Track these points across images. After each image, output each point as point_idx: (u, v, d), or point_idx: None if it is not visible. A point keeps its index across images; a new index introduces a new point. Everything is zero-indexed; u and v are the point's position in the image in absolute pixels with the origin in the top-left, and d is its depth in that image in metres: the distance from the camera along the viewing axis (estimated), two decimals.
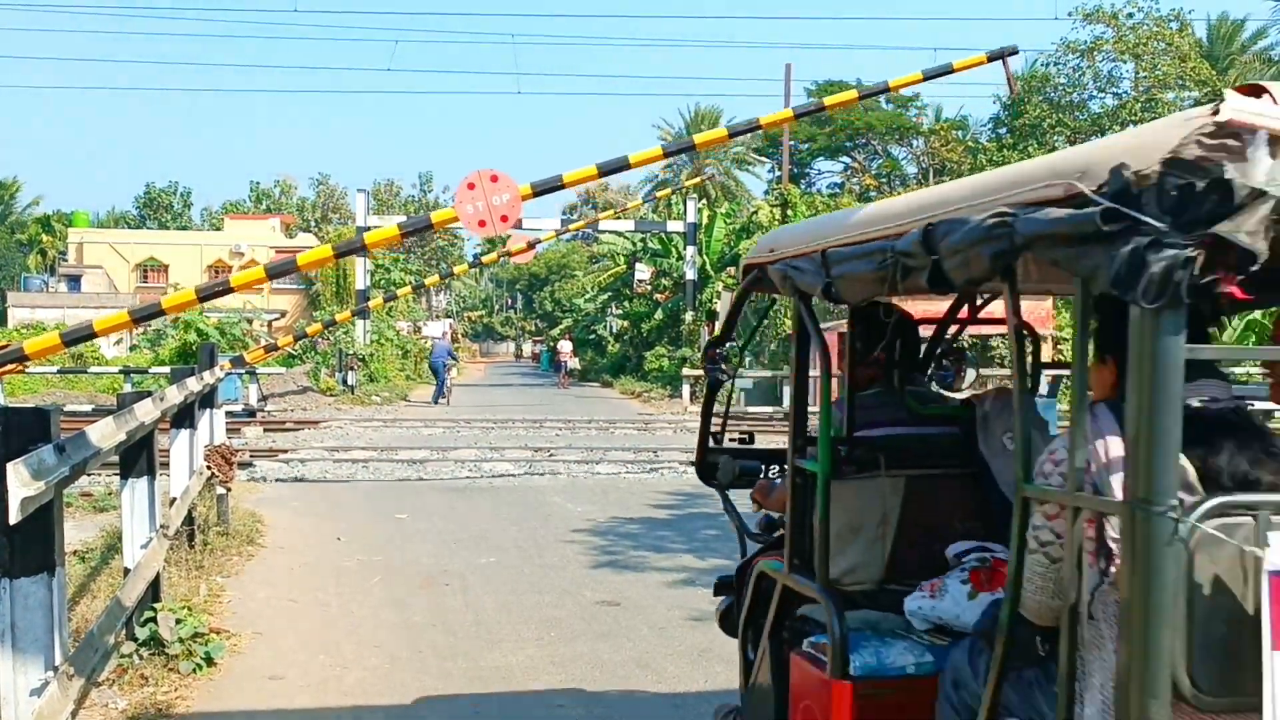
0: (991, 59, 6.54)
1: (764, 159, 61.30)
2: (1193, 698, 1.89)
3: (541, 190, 5.45)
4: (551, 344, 55.96)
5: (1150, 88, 41.94)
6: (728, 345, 4.27)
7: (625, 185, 72.62)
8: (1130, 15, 41.67)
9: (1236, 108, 1.79)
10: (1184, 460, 1.96)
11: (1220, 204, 1.73)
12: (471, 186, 4.91)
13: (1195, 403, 2.18)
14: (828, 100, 6.59)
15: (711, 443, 4.23)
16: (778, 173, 50.83)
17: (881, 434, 3.41)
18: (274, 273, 4.97)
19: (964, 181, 2.52)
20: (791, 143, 43.95)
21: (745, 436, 4.48)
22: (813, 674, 3.13)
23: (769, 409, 27.26)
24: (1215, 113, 1.77)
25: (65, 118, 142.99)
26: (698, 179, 33.72)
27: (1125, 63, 42.62)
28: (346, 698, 5.43)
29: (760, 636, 3.55)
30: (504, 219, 4.95)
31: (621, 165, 5.84)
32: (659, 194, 41.58)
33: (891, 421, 3.44)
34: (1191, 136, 1.80)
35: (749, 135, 62.69)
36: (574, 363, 44.74)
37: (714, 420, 4.25)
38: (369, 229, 38.85)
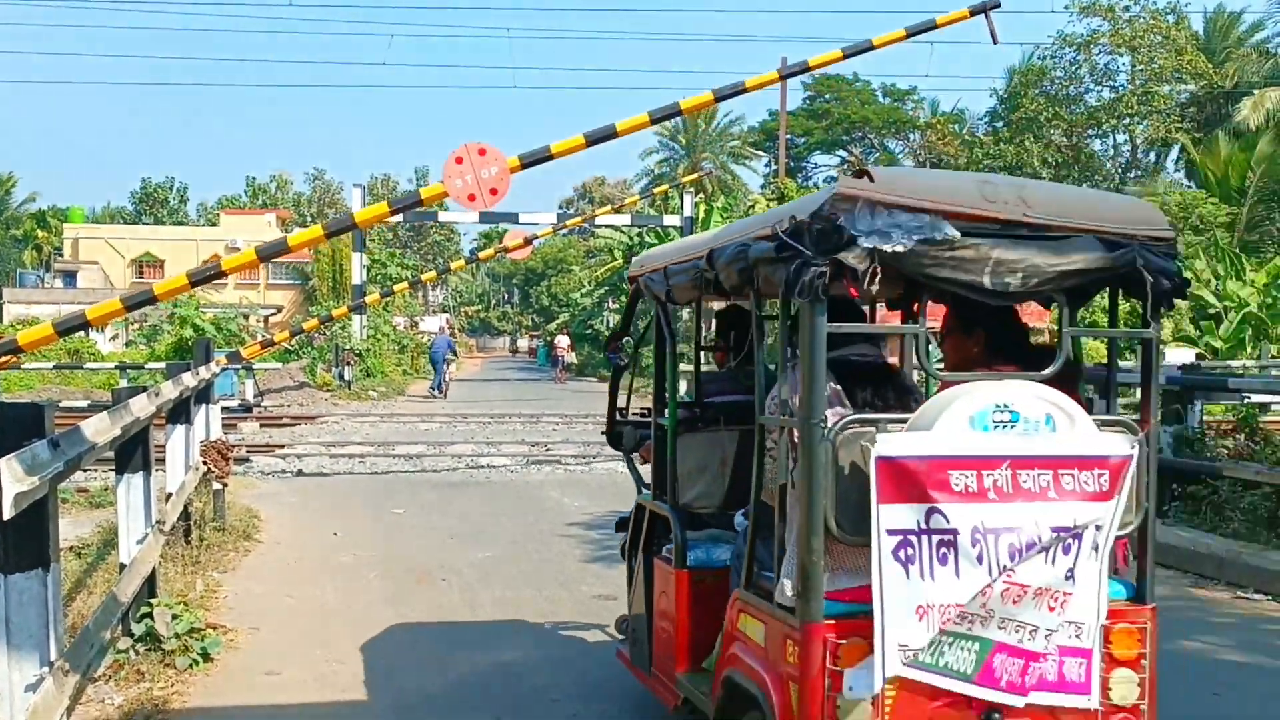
0: (974, 13, 6.58)
1: (760, 153, 61.25)
2: (838, 534, 3.17)
3: (530, 162, 5.44)
4: (549, 338, 55.89)
5: (1147, 81, 41.90)
6: (625, 339, 5.41)
7: (622, 180, 72.60)
8: (1127, 8, 41.59)
9: (848, 184, 3.12)
10: (841, 390, 3.44)
11: (838, 241, 3.04)
12: (459, 160, 4.89)
13: (854, 358, 3.61)
14: (812, 60, 6.62)
15: (618, 416, 5.37)
16: (774, 167, 50.81)
17: (721, 400, 4.64)
18: (265, 254, 4.95)
19: (735, 224, 3.95)
20: (788, 137, 43.92)
21: (645, 410, 5.23)
22: (665, 569, 4.46)
23: None
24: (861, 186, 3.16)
25: (61, 113, 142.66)
26: (694, 175, 33.65)
27: (1122, 56, 42.57)
28: (343, 693, 5.42)
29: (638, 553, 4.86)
30: (493, 192, 4.94)
31: (609, 134, 5.83)
32: (656, 190, 41.52)
33: (729, 390, 4.57)
34: (828, 201, 3.10)
35: (745, 129, 62.54)
36: (571, 357, 44.67)
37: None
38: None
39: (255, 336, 32.78)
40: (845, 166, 58.44)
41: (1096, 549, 3.23)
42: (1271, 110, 39.00)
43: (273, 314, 51.76)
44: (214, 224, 67.49)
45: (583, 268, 65.92)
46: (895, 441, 3.11)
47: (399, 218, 43.13)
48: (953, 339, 3.80)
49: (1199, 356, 27.67)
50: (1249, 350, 29.51)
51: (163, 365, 18.16)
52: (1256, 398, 12.59)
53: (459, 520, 10.45)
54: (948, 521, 3.10)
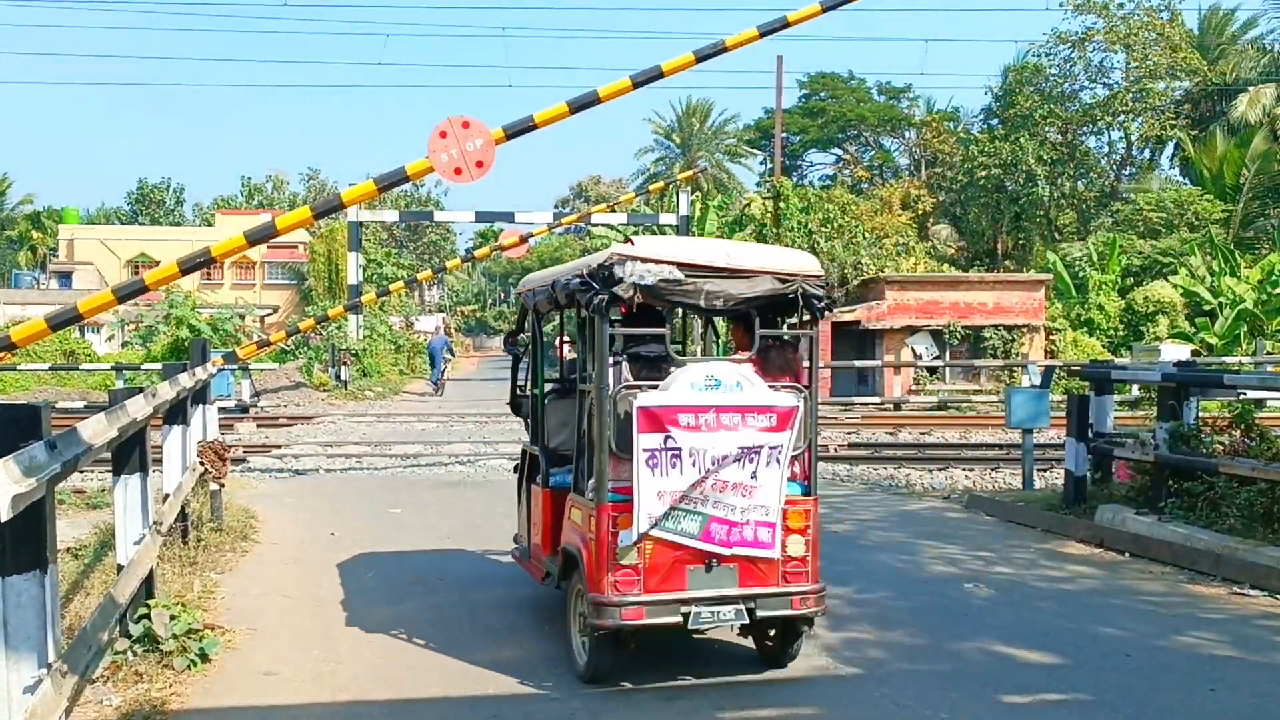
0: None
1: (756, 151, 61.25)
2: (616, 452, 5.29)
3: (514, 132, 5.44)
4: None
5: (1141, 78, 41.92)
6: (520, 336, 7.24)
7: (618, 179, 72.52)
8: (1121, 5, 41.63)
9: (619, 249, 5.35)
10: (627, 370, 5.66)
11: (613, 281, 5.24)
12: (444, 134, 4.90)
13: (644, 353, 5.70)
14: (791, 16, 6.63)
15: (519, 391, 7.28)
16: (770, 165, 50.80)
17: (576, 377, 6.20)
18: (254, 238, 4.96)
19: (572, 263, 5.99)
20: (784, 135, 43.88)
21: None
22: (537, 489, 6.59)
23: None
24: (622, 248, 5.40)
25: (57, 114, 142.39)
26: (690, 173, 33.53)
27: (1116, 53, 42.59)
28: (341, 693, 5.42)
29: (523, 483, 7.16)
30: (479, 164, 4.97)
31: (591, 100, 5.84)
32: (652, 188, 41.51)
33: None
34: (608, 257, 5.35)
35: (741, 128, 62.34)
36: None
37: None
38: (360, 222, 37.90)
39: (251, 337, 32.71)
40: (841, 164, 58.46)
41: (776, 462, 5.40)
42: (1267, 106, 39.06)
43: (269, 314, 51.70)
44: (210, 224, 67.40)
45: None
46: (648, 398, 5.31)
47: (394, 216, 43.16)
48: (735, 332, 6.28)
49: (1194, 353, 27.73)
50: (1244, 346, 29.57)
51: (159, 366, 18.13)
52: (1252, 394, 12.61)
53: (456, 520, 10.44)
54: (676, 443, 5.29)
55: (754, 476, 5.35)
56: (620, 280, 5.27)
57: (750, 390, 5.42)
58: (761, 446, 5.36)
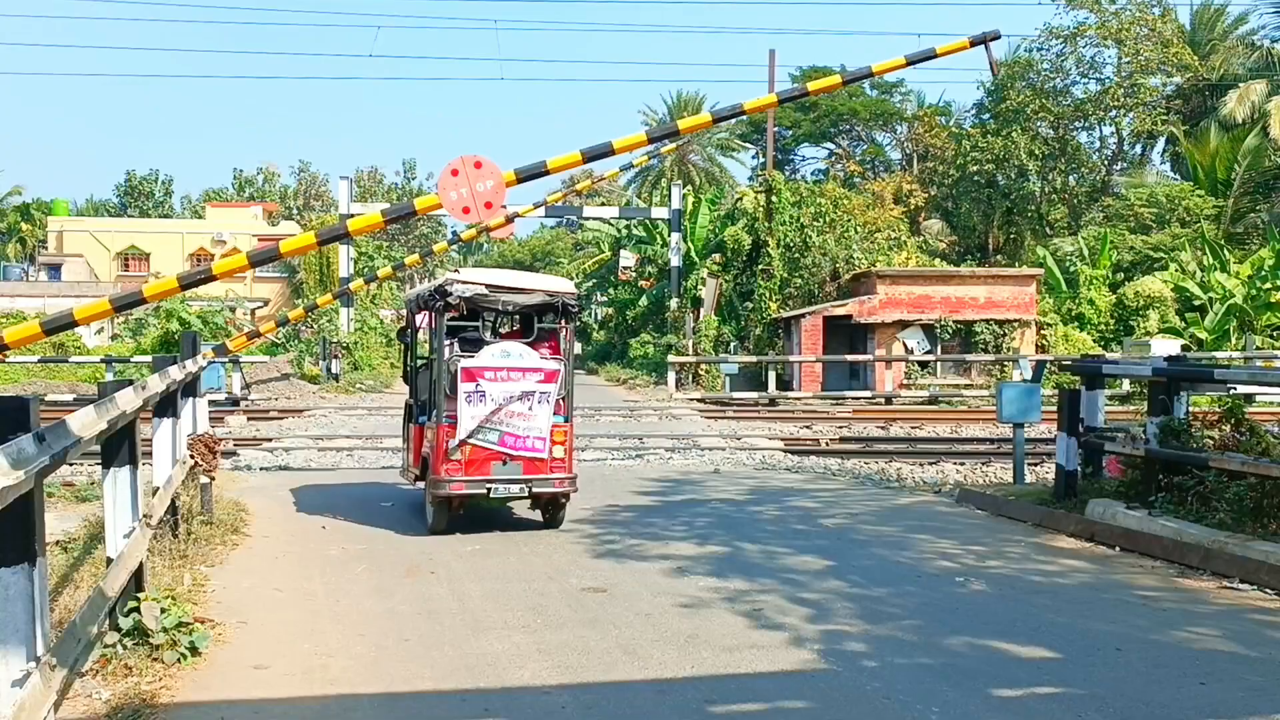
0: (974, 44, 6.54)
1: (748, 145, 61.20)
2: (449, 394, 9.24)
3: (526, 176, 5.41)
4: None
5: (1133, 73, 42.00)
6: (406, 329, 10.84)
7: (609, 173, 72.37)
8: (1113, 0, 41.70)
9: (450, 276, 9.33)
10: (457, 347, 9.59)
11: (446, 294, 9.17)
12: (455, 173, 4.87)
13: (469, 335, 9.91)
14: (811, 85, 6.57)
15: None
16: (762, 159, 50.78)
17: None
18: (256, 260, 4.92)
19: (432, 282, 10.06)
20: (776, 129, 43.89)
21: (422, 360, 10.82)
22: (411, 426, 10.54)
23: (754, 394, 27.23)
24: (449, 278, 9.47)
25: (45, 105, 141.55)
26: (674, 145, 33.48)
27: (1108, 48, 42.67)
28: (332, 686, 5.40)
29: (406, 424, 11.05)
30: (488, 205, 4.92)
31: (605, 151, 5.80)
32: (636, 163, 41.48)
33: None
34: (444, 280, 9.34)
35: (733, 121, 62.42)
36: None
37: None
38: (352, 216, 38.63)
39: (242, 329, 32.60)
40: (833, 159, 58.47)
41: (545, 401, 9.04)
42: (1257, 103, 39.17)
43: (259, 307, 51.54)
44: (200, 216, 67.09)
45: (570, 260, 65.84)
46: (467, 362, 8.97)
47: (385, 208, 43.01)
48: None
49: (1184, 348, 27.83)
50: (1234, 341, 29.69)
51: (149, 359, 18.05)
52: (1242, 388, 12.65)
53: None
54: (483, 389, 8.90)
55: (531, 409, 9.00)
56: (450, 294, 9.00)
57: (528, 358, 9.09)
58: (535, 392, 9.00)
